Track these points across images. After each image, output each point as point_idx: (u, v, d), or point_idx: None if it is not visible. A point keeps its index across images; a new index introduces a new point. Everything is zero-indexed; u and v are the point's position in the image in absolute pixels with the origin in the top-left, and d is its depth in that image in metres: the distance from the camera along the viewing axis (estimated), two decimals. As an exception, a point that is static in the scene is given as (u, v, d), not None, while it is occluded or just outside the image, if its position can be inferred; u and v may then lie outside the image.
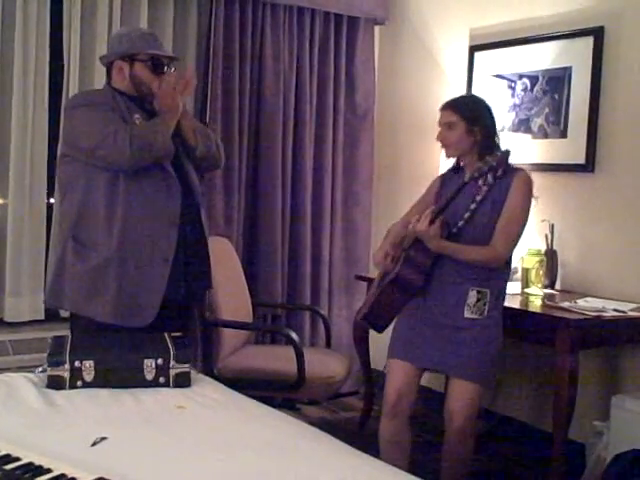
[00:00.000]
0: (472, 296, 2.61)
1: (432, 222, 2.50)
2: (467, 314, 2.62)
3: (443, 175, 2.84)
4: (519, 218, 2.60)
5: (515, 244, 2.63)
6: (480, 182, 2.58)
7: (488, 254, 2.58)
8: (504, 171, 2.54)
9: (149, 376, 2.31)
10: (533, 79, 3.70)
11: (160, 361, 2.32)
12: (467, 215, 2.59)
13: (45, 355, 2.32)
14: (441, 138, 2.67)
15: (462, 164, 2.72)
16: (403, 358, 2.72)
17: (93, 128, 2.57)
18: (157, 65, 2.68)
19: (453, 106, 2.67)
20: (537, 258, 3.36)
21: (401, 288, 2.64)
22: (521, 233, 2.63)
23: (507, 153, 2.54)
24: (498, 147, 2.65)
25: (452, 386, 2.67)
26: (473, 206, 2.57)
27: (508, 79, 3.82)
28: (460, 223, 2.60)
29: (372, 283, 3.05)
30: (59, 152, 2.90)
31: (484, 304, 2.62)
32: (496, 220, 2.58)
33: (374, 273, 3.92)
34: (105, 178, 2.59)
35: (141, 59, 2.68)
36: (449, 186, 2.71)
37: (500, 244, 2.58)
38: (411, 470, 2.64)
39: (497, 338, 2.67)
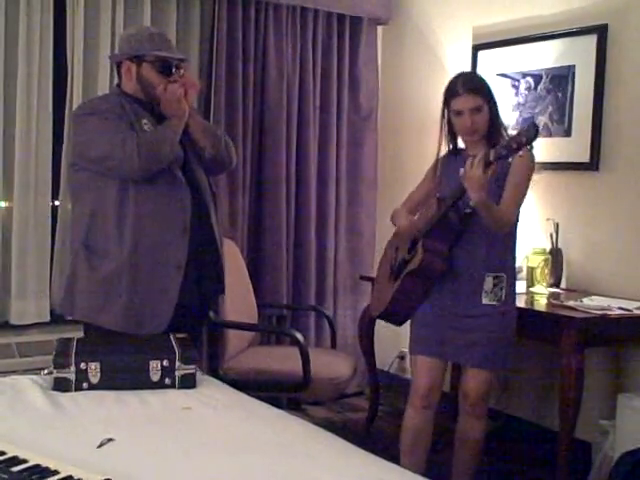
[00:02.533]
0: (489, 282, 2.62)
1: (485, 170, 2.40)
2: (485, 300, 2.62)
3: (442, 159, 2.81)
4: (523, 188, 2.61)
5: (519, 208, 2.64)
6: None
7: (505, 214, 2.57)
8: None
9: (155, 377, 2.31)
10: (537, 78, 3.69)
11: (166, 362, 2.32)
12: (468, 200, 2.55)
13: (51, 357, 2.32)
14: (471, 123, 2.60)
15: (464, 145, 2.71)
16: (429, 354, 2.73)
17: (101, 138, 2.56)
18: (165, 67, 2.65)
19: (475, 89, 2.62)
20: (542, 257, 3.36)
21: (424, 276, 2.65)
22: (523, 199, 2.64)
23: (529, 130, 2.37)
24: (500, 129, 2.66)
25: (468, 372, 2.71)
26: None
27: (512, 78, 3.82)
28: (468, 209, 2.57)
29: (376, 280, 3.06)
30: (69, 160, 2.88)
31: (501, 289, 2.63)
32: (501, 189, 2.59)
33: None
34: (114, 186, 2.58)
35: (148, 60, 2.64)
36: (450, 169, 2.69)
37: (508, 207, 2.57)
38: (424, 465, 2.68)
39: (513, 322, 2.70)
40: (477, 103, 2.60)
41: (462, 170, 2.43)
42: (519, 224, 2.71)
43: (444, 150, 2.80)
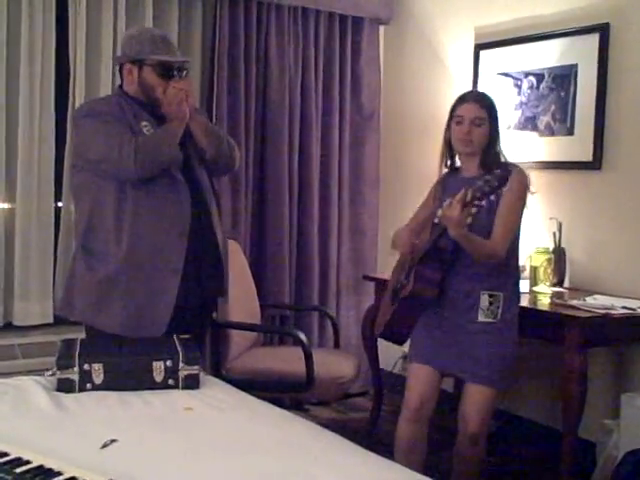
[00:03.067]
0: (484, 300, 2.60)
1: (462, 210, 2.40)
2: (481, 318, 2.61)
3: (442, 178, 2.81)
4: (514, 219, 2.59)
5: (510, 241, 2.60)
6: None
7: (493, 248, 2.55)
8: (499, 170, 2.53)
9: (158, 378, 2.31)
10: (539, 77, 3.69)
11: (169, 363, 2.32)
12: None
13: (54, 358, 2.32)
14: (468, 132, 2.59)
15: (459, 164, 2.71)
16: (424, 363, 2.72)
17: (98, 140, 2.55)
18: (166, 70, 2.63)
19: (481, 101, 2.62)
20: (545, 256, 3.35)
21: (416, 303, 2.64)
22: (515, 230, 2.62)
23: (507, 173, 2.42)
24: (498, 154, 2.64)
25: (467, 390, 2.66)
26: (469, 220, 2.47)
27: (514, 77, 3.81)
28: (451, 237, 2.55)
29: (384, 286, 3.04)
30: (70, 161, 2.88)
31: (497, 307, 2.61)
32: (493, 221, 2.56)
33: (382, 273, 3.94)
34: (113, 187, 2.57)
35: (149, 64, 2.63)
36: (451, 187, 2.68)
37: (497, 241, 2.55)
38: (422, 470, 2.66)
39: (512, 340, 2.66)
40: (479, 114, 2.59)
41: (440, 211, 2.45)
42: (519, 244, 2.68)
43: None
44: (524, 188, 2.59)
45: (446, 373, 2.78)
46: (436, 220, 2.59)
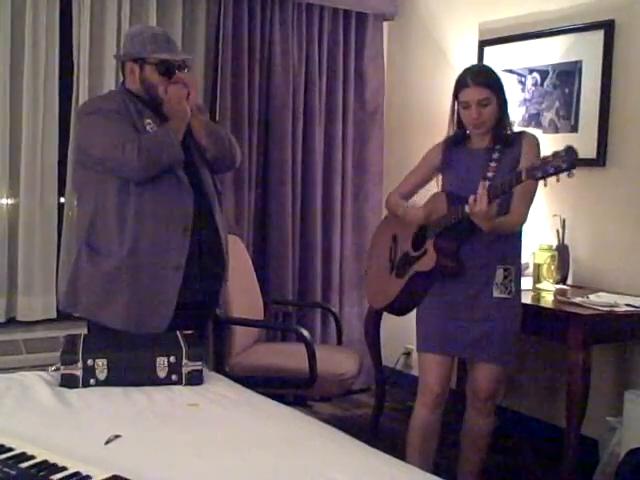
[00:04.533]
0: (499, 274, 2.60)
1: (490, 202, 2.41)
2: (496, 293, 2.60)
3: (443, 145, 2.75)
4: (531, 187, 2.56)
5: (529, 208, 2.63)
6: (493, 157, 2.59)
7: (517, 221, 2.59)
8: (510, 139, 2.59)
9: (162, 374, 2.32)
10: (543, 73, 3.68)
11: (172, 359, 2.33)
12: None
13: (58, 354, 2.33)
14: (477, 116, 2.57)
15: (468, 132, 2.69)
16: (439, 351, 2.69)
17: (101, 138, 2.56)
18: (167, 68, 2.64)
19: (484, 81, 2.60)
20: (549, 253, 3.35)
21: (435, 277, 2.64)
22: (534, 196, 2.63)
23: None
24: (509, 119, 2.67)
25: (478, 367, 2.69)
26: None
27: (518, 74, 3.81)
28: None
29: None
30: (74, 158, 2.88)
31: (510, 281, 2.62)
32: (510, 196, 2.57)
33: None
34: (116, 184, 2.58)
35: (151, 62, 2.64)
36: (454, 159, 2.68)
37: (522, 208, 2.58)
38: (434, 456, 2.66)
39: (519, 315, 2.69)
40: (484, 95, 2.57)
41: (467, 207, 2.44)
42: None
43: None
44: (537, 150, 2.60)
45: (458, 356, 2.80)
46: (446, 188, 2.64)
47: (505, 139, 2.61)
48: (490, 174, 2.56)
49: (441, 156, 2.75)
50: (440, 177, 2.79)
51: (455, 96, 2.65)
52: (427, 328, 2.72)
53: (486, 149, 2.62)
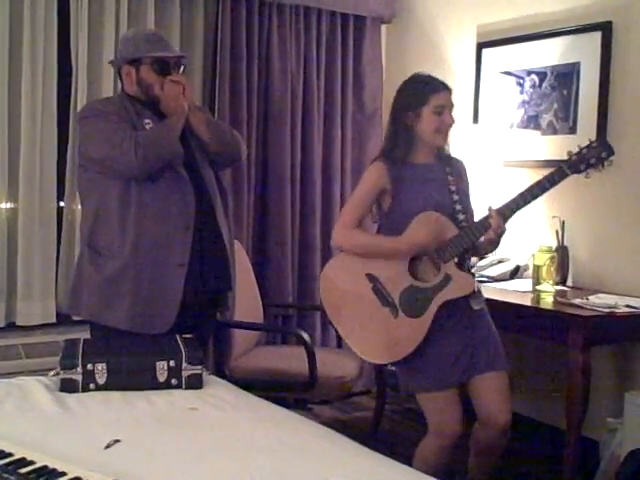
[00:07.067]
0: (476, 286, 2.54)
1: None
2: (475, 306, 2.52)
3: (387, 163, 2.53)
4: None
5: None
6: (447, 171, 2.57)
7: None
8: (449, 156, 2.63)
9: (161, 378, 2.32)
10: (541, 75, 3.68)
11: (172, 363, 2.33)
12: (459, 207, 2.52)
13: (57, 358, 2.33)
14: (453, 119, 2.50)
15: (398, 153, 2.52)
16: (448, 386, 2.49)
17: (100, 139, 2.58)
18: (162, 66, 2.66)
19: (447, 86, 2.53)
20: (548, 255, 3.34)
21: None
22: None
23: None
24: None
25: (484, 382, 2.51)
26: (456, 197, 2.50)
27: (516, 76, 3.81)
28: (461, 217, 2.51)
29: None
30: (76, 161, 2.89)
31: (479, 290, 2.57)
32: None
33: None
34: (118, 185, 2.59)
35: (146, 62, 2.66)
36: (407, 174, 2.50)
37: None
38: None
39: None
40: (451, 101, 2.52)
41: (491, 232, 2.40)
42: None
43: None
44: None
45: (472, 375, 2.54)
46: (434, 209, 2.47)
47: (447, 156, 2.60)
48: (453, 187, 2.53)
49: (387, 176, 2.52)
50: (385, 198, 2.56)
51: (417, 105, 2.50)
52: (437, 365, 2.49)
53: (436, 164, 2.55)
